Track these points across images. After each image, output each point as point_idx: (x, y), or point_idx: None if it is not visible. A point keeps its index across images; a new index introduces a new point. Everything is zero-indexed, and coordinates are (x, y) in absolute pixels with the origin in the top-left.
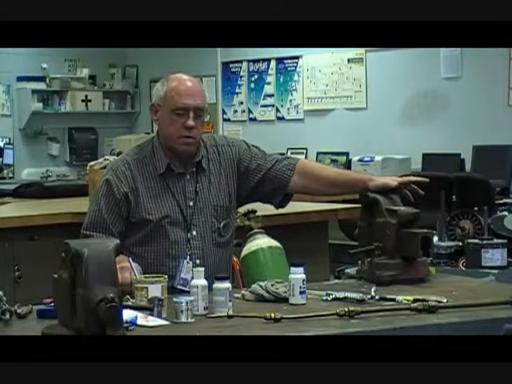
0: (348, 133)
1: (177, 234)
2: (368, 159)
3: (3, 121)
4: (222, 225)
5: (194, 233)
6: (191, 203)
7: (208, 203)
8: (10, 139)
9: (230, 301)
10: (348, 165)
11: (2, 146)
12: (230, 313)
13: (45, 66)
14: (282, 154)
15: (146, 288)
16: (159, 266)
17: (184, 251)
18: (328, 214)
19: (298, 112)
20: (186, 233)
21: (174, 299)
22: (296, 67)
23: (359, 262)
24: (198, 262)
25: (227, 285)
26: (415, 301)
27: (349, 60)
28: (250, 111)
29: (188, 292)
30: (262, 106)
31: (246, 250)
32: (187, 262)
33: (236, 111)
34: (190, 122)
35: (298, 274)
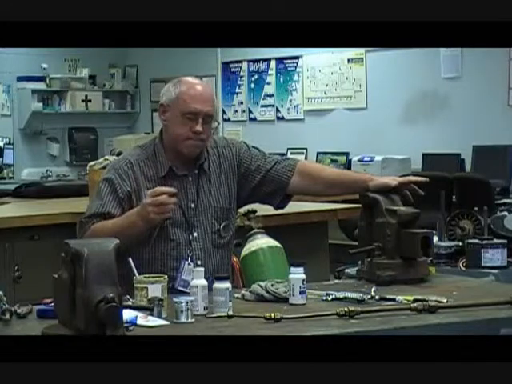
0: (348, 133)
1: (178, 236)
2: (368, 159)
3: (3, 121)
4: (222, 226)
5: (195, 234)
6: (193, 205)
7: (209, 205)
8: (10, 139)
9: (229, 301)
10: (348, 165)
11: (2, 146)
12: (230, 313)
13: (45, 65)
14: (282, 155)
15: (146, 288)
16: (160, 266)
17: (185, 252)
18: (328, 214)
19: (298, 112)
20: (188, 234)
21: (174, 299)
22: (296, 67)
23: (359, 262)
24: (199, 263)
25: (227, 285)
26: (415, 301)
27: (349, 60)
28: (250, 111)
29: (188, 293)
30: (262, 106)
31: (245, 250)
32: (188, 264)
33: (236, 111)
34: (199, 128)
35: (297, 274)
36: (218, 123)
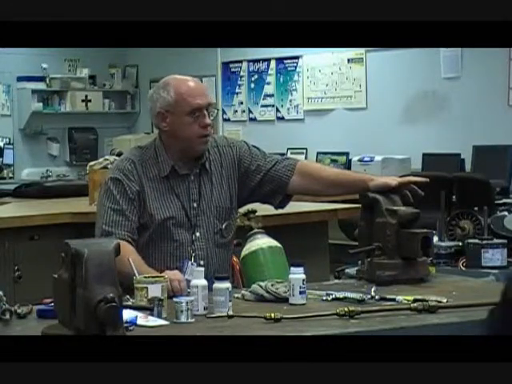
0: (348, 133)
1: (181, 236)
2: (368, 159)
3: (3, 121)
4: (224, 226)
5: (198, 234)
6: (195, 204)
7: (210, 204)
8: (9, 139)
9: (229, 301)
10: (348, 165)
11: (2, 146)
12: (230, 313)
13: (45, 66)
14: (282, 155)
15: (146, 288)
16: (163, 267)
17: (188, 252)
18: (328, 214)
19: (298, 112)
20: (191, 234)
21: (174, 299)
22: (296, 67)
23: (359, 261)
24: (202, 263)
25: (227, 285)
26: (415, 301)
27: (349, 60)
28: (250, 111)
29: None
30: (262, 106)
31: (245, 250)
32: (192, 264)
33: (236, 111)
34: (208, 120)
35: (297, 274)
36: (217, 110)
